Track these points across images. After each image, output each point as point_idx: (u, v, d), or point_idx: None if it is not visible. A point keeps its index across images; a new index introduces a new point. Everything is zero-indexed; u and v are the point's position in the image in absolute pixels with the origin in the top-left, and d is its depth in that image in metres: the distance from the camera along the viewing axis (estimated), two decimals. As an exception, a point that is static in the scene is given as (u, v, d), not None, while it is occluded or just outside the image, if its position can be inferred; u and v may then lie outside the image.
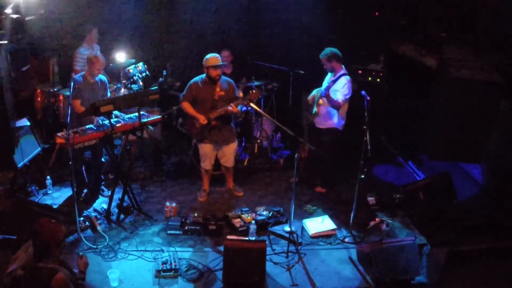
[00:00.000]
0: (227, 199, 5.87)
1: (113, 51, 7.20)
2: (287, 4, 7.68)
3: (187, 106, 5.49)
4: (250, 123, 7.01)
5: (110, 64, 6.86)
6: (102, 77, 5.46)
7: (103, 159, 5.66)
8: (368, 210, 5.60)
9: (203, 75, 5.44)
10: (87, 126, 4.97)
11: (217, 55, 5.38)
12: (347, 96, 5.54)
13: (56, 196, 5.67)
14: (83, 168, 5.66)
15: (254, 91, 5.37)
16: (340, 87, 5.50)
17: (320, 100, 5.66)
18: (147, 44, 7.92)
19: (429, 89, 5.28)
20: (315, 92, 5.83)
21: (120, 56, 7.10)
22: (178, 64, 8.00)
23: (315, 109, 5.77)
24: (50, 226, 3.50)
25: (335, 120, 5.67)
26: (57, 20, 7.15)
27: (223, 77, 5.54)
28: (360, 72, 7.14)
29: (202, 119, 5.36)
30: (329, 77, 5.72)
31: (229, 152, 5.67)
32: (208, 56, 5.35)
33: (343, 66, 5.64)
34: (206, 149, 5.61)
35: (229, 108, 5.28)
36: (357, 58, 7.24)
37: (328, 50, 5.58)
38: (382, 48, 7.33)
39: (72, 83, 5.03)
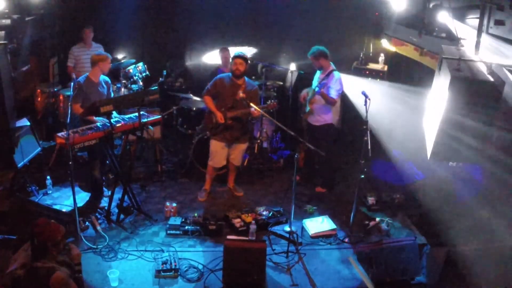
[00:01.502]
0: (227, 199, 5.87)
1: (114, 51, 7.21)
2: (287, 5, 7.70)
3: (208, 100, 5.54)
4: (250, 123, 7.01)
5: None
6: (105, 77, 5.45)
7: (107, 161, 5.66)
8: (368, 210, 5.61)
9: (230, 74, 5.50)
10: (98, 124, 4.99)
11: (243, 54, 5.49)
12: (340, 92, 5.66)
13: (56, 196, 5.67)
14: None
15: (273, 101, 5.49)
16: (332, 84, 5.60)
17: (313, 98, 5.74)
18: (147, 44, 7.93)
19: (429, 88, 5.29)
20: (304, 91, 5.97)
21: (123, 59, 7.13)
22: (178, 64, 8.01)
23: (308, 108, 5.84)
24: (47, 226, 3.50)
25: (330, 116, 5.77)
26: (57, 20, 7.17)
27: (250, 81, 5.61)
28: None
29: (220, 117, 5.40)
30: (318, 75, 5.84)
31: (238, 151, 5.71)
32: (235, 53, 5.51)
33: (331, 63, 5.74)
34: (216, 146, 5.61)
35: (252, 110, 5.28)
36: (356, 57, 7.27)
37: (315, 48, 5.72)
38: (381, 48, 7.35)
39: (72, 84, 5.03)
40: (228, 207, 5.63)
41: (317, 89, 5.63)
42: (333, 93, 5.58)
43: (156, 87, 5.27)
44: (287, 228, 5.08)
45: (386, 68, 7.17)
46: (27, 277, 3.34)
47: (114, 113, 5.18)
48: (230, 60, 5.62)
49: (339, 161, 6.69)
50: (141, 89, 6.89)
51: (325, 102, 5.62)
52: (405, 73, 7.46)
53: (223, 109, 5.45)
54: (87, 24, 6.87)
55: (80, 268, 3.72)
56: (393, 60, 7.24)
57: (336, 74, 5.64)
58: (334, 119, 5.80)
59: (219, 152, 5.63)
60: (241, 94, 5.28)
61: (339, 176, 6.36)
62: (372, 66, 7.25)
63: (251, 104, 5.18)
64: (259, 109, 5.19)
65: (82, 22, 7.05)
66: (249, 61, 5.55)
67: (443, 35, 5.51)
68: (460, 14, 5.12)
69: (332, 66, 5.72)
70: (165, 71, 7.57)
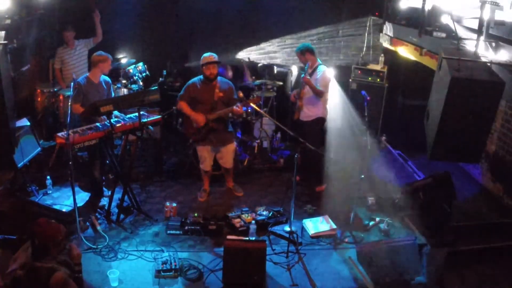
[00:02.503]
0: (227, 199, 5.87)
1: (114, 51, 7.21)
2: (287, 6, 7.71)
3: (184, 106, 5.47)
4: (250, 123, 7.01)
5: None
6: (105, 77, 5.45)
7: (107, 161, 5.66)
8: (368, 210, 5.61)
9: (201, 76, 5.44)
10: (98, 124, 4.98)
11: (212, 54, 5.36)
12: (327, 83, 5.74)
13: (56, 196, 5.67)
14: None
15: (255, 96, 5.43)
16: (319, 76, 5.69)
17: (303, 91, 5.83)
18: (147, 44, 7.93)
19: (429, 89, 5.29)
20: (295, 91, 6.12)
21: (123, 59, 7.13)
22: (178, 64, 8.01)
23: (298, 104, 5.95)
24: (47, 226, 3.50)
25: (320, 109, 5.86)
26: (57, 20, 7.17)
27: (222, 79, 5.55)
28: (360, 72, 7.18)
29: (201, 119, 5.35)
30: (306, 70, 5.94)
31: (227, 153, 5.65)
32: (204, 54, 5.38)
33: (318, 59, 5.84)
34: (204, 151, 5.60)
35: (235, 108, 5.27)
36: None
37: (301, 45, 5.88)
38: (381, 48, 7.35)
39: (72, 84, 5.03)
40: (228, 207, 5.63)
41: (302, 75, 5.69)
42: (320, 84, 5.69)
43: (156, 87, 5.27)
44: (287, 228, 5.08)
45: (386, 68, 7.18)
46: (27, 277, 3.34)
47: (116, 112, 5.16)
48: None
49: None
50: (141, 89, 6.89)
51: (313, 92, 5.70)
52: (405, 74, 7.48)
53: (201, 111, 5.37)
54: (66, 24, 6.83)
55: (80, 268, 3.72)
56: (393, 61, 7.25)
57: (322, 67, 5.76)
58: (324, 113, 5.90)
59: (208, 156, 5.62)
60: (241, 94, 5.28)
61: (339, 176, 6.35)
62: (372, 66, 7.25)
63: (252, 105, 5.19)
64: (258, 108, 5.16)
65: (82, 22, 7.05)
66: (221, 62, 5.52)
67: (443, 35, 5.51)
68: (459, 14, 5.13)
69: (319, 61, 5.82)
70: (165, 71, 7.57)
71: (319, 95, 5.73)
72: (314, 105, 5.85)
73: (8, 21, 5.39)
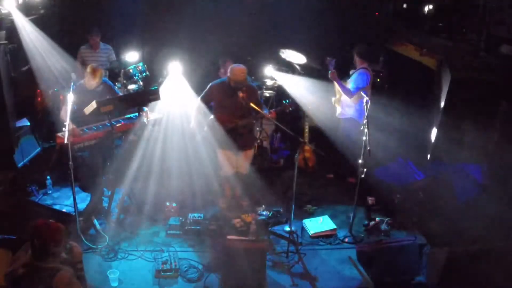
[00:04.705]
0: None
1: (118, 52, 7.24)
2: (288, 4, 7.71)
3: (195, 110, 5.25)
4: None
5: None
6: (106, 79, 5.44)
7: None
8: (368, 210, 5.61)
9: (225, 79, 5.15)
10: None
11: (243, 68, 5.01)
12: (360, 86, 5.65)
13: (56, 196, 5.66)
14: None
15: (287, 102, 5.32)
16: (354, 78, 5.73)
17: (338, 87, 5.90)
18: (147, 44, 7.93)
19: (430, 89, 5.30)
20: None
21: (130, 56, 7.15)
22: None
23: (337, 96, 6.02)
24: (47, 226, 3.48)
25: (352, 110, 5.87)
26: (57, 20, 7.18)
27: (249, 83, 5.25)
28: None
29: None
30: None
31: (244, 159, 5.45)
32: (235, 66, 5.05)
33: (365, 62, 5.83)
34: (225, 155, 5.35)
35: (267, 115, 5.17)
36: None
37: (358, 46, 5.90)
38: (382, 48, 7.35)
39: (72, 84, 5.03)
40: (228, 207, 5.62)
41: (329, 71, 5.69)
42: (351, 86, 5.72)
43: (156, 87, 5.26)
44: (287, 228, 5.08)
45: (385, 68, 7.17)
46: (28, 276, 3.34)
47: None
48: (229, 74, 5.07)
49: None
50: (141, 89, 6.89)
51: (342, 92, 5.74)
52: (405, 75, 7.47)
53: (229, 117, 5.15)
54: (92, 27, 6.87)
55: (82, 266, 3.72)
56: (393, 61, 7.25)
57: (361, 71, 5.76)
58: (356, 114, 5.83)
59: (230, 160, 5.39)
60: (243, 96, 5.11)
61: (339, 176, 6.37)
62: (372, 66, 7.24)
63: (250, 104, 5.09)
64: (256, 107, 5.04)
65: (82, 22, 7.06)
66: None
67: (443, 35, 5.53)
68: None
69: (364, 65, 5.80)
70: (165, 71, 7.56)
71: (346, 95, 5.74)
72: (346, 104, 5.89)
73: (8, 21, 5.40)
